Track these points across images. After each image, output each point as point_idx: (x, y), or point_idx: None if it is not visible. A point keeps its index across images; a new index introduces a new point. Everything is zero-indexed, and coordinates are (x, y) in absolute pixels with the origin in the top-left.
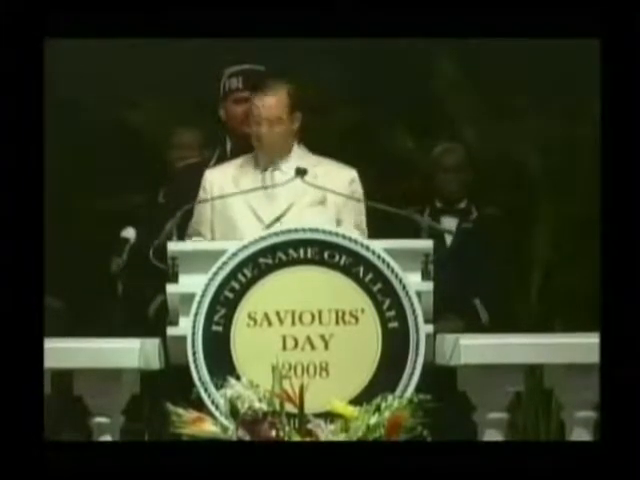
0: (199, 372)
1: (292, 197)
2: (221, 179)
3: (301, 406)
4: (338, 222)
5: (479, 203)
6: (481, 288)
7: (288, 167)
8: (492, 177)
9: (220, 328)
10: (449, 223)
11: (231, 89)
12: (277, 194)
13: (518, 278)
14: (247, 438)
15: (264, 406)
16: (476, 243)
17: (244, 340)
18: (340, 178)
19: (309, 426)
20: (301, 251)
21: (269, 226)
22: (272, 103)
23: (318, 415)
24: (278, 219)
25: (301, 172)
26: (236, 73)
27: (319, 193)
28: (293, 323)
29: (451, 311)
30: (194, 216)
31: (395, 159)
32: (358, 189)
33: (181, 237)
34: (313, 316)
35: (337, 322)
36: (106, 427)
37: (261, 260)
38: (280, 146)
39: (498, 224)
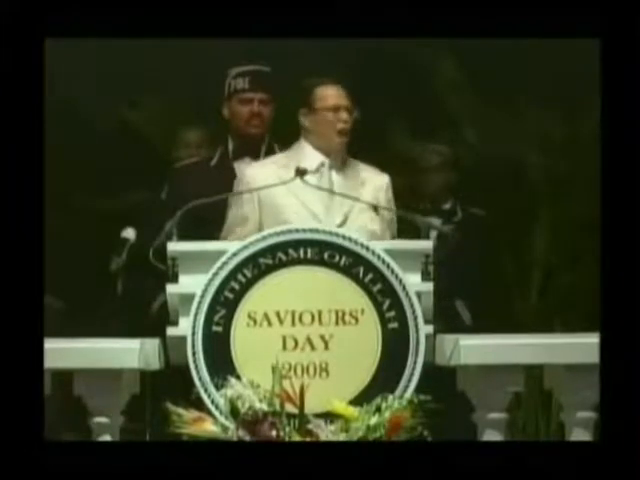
0: (199, 372)
1: (349, 200)
2: (264, 176)
3: (301, 406)
4: (383, 230)
5: (465, 204)
6: (463, 289)
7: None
8: (491, 177)
9: (220, 328)
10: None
11: (237, 89)
12: (332, 195)
13: (509, 279)
14: (247, 438)
15: (264, 406)
16: (459, 244)
17: (244, 340)
18: (377, 184)
19: (309, 426)
20: (301, 251)
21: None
22: (335, 93)
23: (318, 415)
24: (344, 222)
25: (300, 172)
26: (242, 73)
27: (369, 199)
28: (293, 323)
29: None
30: (232, 214)
31: (395, 159)
32: (391, 195)
33: (181, 237)
34: (313, 316)
35: (337, 322)
36: (106, 427)
37: (261, 260)
38: (338, 139)
39: (483, 225)
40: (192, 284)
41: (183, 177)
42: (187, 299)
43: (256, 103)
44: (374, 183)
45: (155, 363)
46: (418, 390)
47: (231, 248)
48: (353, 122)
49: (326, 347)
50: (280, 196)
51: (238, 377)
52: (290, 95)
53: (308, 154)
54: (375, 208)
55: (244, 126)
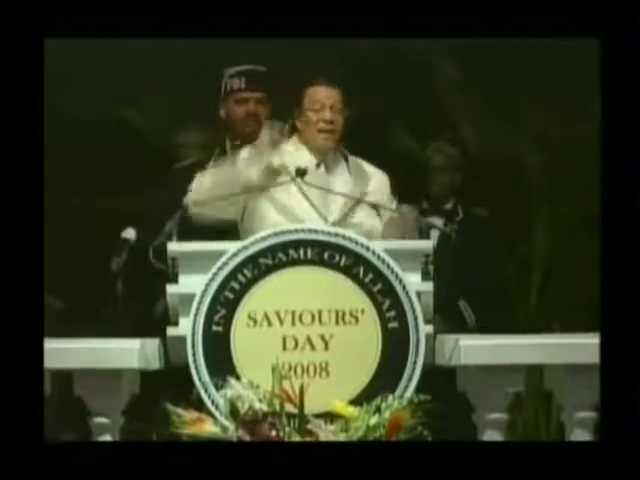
0: (199, 372)
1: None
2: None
3: (301, 406)
4: (383, 229)
5: (466, 204)
6: (466, 290)
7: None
8: (491, 177)
9: (220, 328)
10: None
11: (233, 89)
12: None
13: (509, 279)
14: (247, 438)
15: (264, 406)
16: (461, 244)
17: (244, 340)
18: (378, 183)
19: (309, 426)
20: (301, 251)
21: (336, 223)
22: (322, 93)
23: (318, 415)
24: (345, 217)
25: (301, 172)
26: (238, 73)
27: (371, 197)
28: (293, 323)
29: (436, 313)
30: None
31: (395, 159)
32: (391, 193)
33: (181, 237)
34: (313, 316)
35: (337, 322)
36: (106, 427)
37: (261, 260)
38: (337, 137)
39: (484, 225)
40: (192, 284)
41: (183, 177)
42: (187, 299)
43: (252, 103)
44: (376, 181)
45: (155, 363)
46: (418, 390)
47: (231, 248)
48: (344, 122)
49: (326, 347)
50: (277, 196)
51: (238, 377)
52: (286, 96)
53: (301, 154)
54: (374, 206)
55: (240, 126)
